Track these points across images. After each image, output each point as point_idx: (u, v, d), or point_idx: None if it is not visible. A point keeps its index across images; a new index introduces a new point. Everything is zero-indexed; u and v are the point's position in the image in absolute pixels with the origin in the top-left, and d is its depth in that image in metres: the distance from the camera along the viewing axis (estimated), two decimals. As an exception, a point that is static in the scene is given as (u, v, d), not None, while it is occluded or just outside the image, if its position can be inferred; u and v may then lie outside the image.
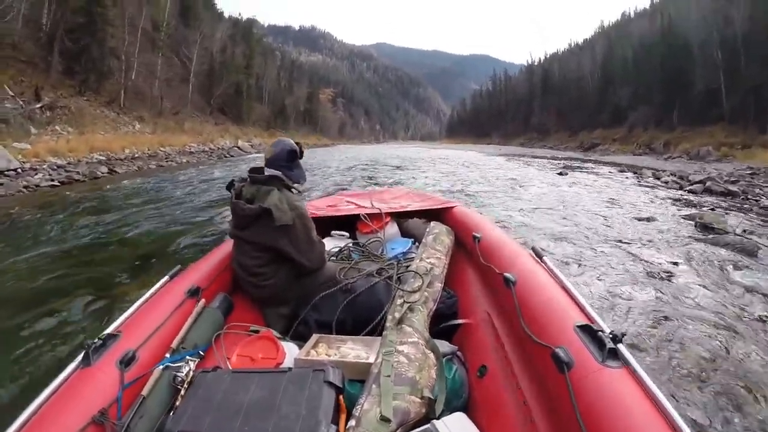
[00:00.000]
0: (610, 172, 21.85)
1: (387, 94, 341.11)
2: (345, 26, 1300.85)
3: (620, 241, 7.32)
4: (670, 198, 12.36)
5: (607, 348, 1.61)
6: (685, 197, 12.59)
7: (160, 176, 18.59)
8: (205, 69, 55.38)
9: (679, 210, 10.52)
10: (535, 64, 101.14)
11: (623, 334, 1.67)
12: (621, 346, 1.63)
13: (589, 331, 1.74)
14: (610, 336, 1.67)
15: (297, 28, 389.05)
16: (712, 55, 41.83)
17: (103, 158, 21.53)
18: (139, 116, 35.31)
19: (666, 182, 16.25)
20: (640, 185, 15.65)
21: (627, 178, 18.29)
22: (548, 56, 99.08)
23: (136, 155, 24.77)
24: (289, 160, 2.91)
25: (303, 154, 3.02)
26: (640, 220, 9.23)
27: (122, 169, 20.39)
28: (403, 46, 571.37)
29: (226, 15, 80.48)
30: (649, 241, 7.46)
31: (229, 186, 2.86)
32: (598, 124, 62.73)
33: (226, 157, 33.66)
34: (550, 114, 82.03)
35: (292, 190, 2.92)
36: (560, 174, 19.40)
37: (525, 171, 22.45)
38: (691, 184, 14.78)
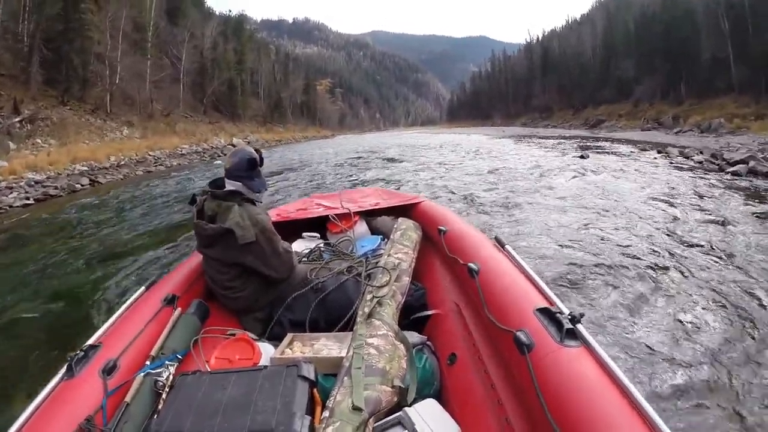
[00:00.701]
0: (631, 151, 19.71)
1: (385, 81, 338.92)
2: (339, 16, 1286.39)
3: (717, 259, 5.65)
4: (720, 185, 10.39)
5: (565, 329, 1.69)
6: (735, 183, 10.73)
7: (142, 184, 17.51)
8: (196, 67, 54.16)
9: (746, 203, 8.46)
10: (534, 42, 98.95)
11: (582, 315, 1.75)
12: (580, 327, 1.70)
13: (548, 313, 1.83)
14: (569, 317, 1.75)
15: (290, 21, 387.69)
16: (718, 24, 40.34)
17: (86, 169, 20.57)
18: (127, 121, 34.18)
19: (700, 162, 14.32)
20: (675, 168, 13.72)
21: (655, 158, 16.40)
22: (547, 33, 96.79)
23: (122, 162, 23.73)
24: (248, 169, 2.84)
25: (263, 161, 2.95)
26: (711, 222, 7.24)
27: (106, 178, 19.41)
28: (399, 32, 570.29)
29: (216, 12, 79.50)
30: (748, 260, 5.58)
31: (192, 201, 2.85)
32: (602, 100, 61.27)
33: (219, 156, 32.23)
34: (551, 92, 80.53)
35: (255, 202, 2.91)
36: (581, 157, 17.44)
37: (541, 156, 19.98)
38: (731, 165, 12.74)
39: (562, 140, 31.85)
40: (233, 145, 37.81)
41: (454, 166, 17.44)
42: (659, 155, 17.36)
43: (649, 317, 4.16)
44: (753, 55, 35.14)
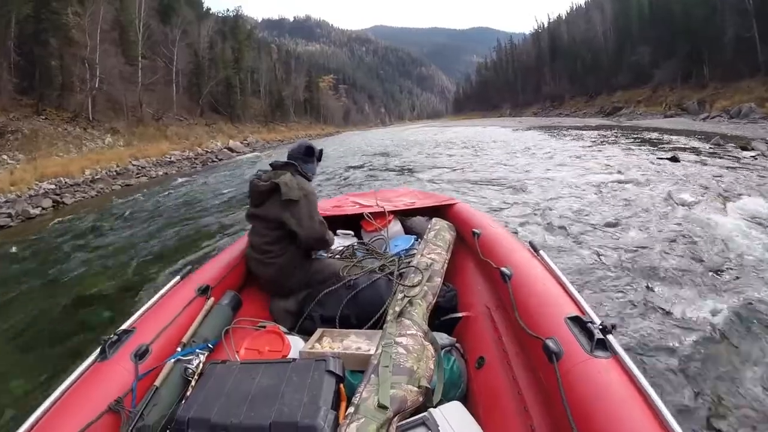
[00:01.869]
0: (710, 148, 15.42)
1: (389, 76, 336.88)
2: (340, 12, 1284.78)
3: None
4: None
5: (595, 339, 1.68)
6: None
7: (114, 203, 14.95)
8: (191, 68, 51.63)
9: None
10: (541, 29, 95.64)
11: (613, 326, 1.74)
12: (610, 337, 1.70)
13: (579, 322, 1.82)
14: (600, 327, 1.74)
15: (291, 19, 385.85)
16: (741, 1, 37.85)
17: (53, 187, 17.97)
18: (111, 128, 31.50)
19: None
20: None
21: (754, 158, 12.76)
22: (554, 19, 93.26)
23: (99, 176, 21.16)
24: (305, 155, 3.23)
25: (321, 155, 3.40)
26: None
27: (75, 197, 16.91)
28: (401, 26, 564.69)
29: (214, 12, 76.37)
30: None
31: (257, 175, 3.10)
32: (618, 86, 58.65)
33: (213, 162, 30.22)
34: (562, 80, 78.04)
35: (308, 178, 3.20)
36: (672, 160, 12.71)
37: (611, 157, 14.81)
38: None
39: (598, 131, 28.70)
40: (230, 149, 35.73)
41: (511, 177, 11.99)
42: (751, 152, 13.83)
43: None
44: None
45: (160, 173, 24.07)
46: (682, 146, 16.90)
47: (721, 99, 35.37)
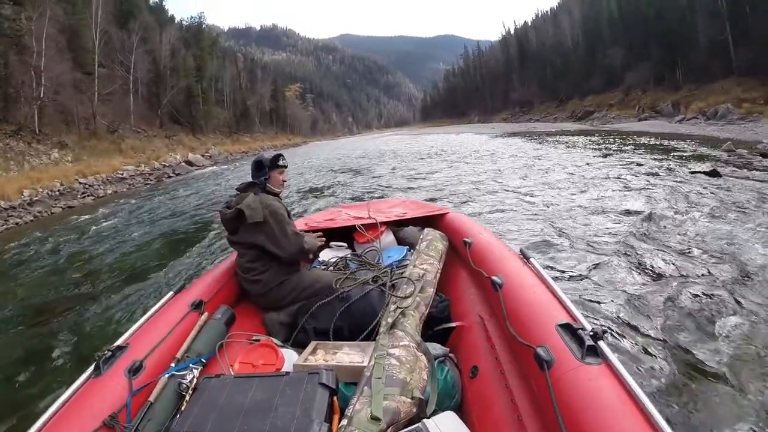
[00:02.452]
0: (711, 155, 14.19)
1: (356, 84, 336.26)
2: (307, 21, 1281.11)
3: None
4: None
5: (586, 345, 1.68)
6: None
7: (48, 234, 12.64)
8: (151, 77, 49.09)
9: None
10: (509, 35, 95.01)
11: (604, 332, 1.74)
12: (601, 343, 1.70)
13: (569, 329, 1.82)
14: (591, 333, 1.74)
15: (258, 28, 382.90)
16: (714, 3, 37.60)
17: (-21, 214, 15.50)
18: (59, 142, 28.99)
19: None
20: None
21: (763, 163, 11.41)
22: (522, 25, 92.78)
23: (38, 197, 18.77)
24: (256, 170, 3.28)
25: (276, 161, 3.29)
26: None
27: (8, 224, 14.77)
28: (367, 34, 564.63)
29: (178, 19, 74.02)
30: None
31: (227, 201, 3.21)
32: (589, 90, 57.97)
33: (169, 177, 28.11)
34: (530, 85, 77.44)
35: (274, 194, 3.28)
36: (712, 174, 10.31)
37: (618, 168, 12.79)
38: None
39: (583, 137, 27.21)
40: (189, 162, 33.76)
41: (523, 207, 8.94)
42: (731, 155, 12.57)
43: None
44: (754, 37, 32.56)
45: (109, 192, 22.00)
46: (693, 153, 15.31)
47: (696, 101, 34.81)
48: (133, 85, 44.19)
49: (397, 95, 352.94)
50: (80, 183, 22.52)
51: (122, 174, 26.41)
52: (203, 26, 72.18)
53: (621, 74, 51.48)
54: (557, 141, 26.23)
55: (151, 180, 26.61)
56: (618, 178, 11.21)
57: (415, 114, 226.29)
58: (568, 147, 21.77)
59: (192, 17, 72.11)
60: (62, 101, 31.67)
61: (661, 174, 11.28)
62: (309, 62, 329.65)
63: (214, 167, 32.67)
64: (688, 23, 40.88)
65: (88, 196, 20.62)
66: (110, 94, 40.20)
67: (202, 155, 41.17)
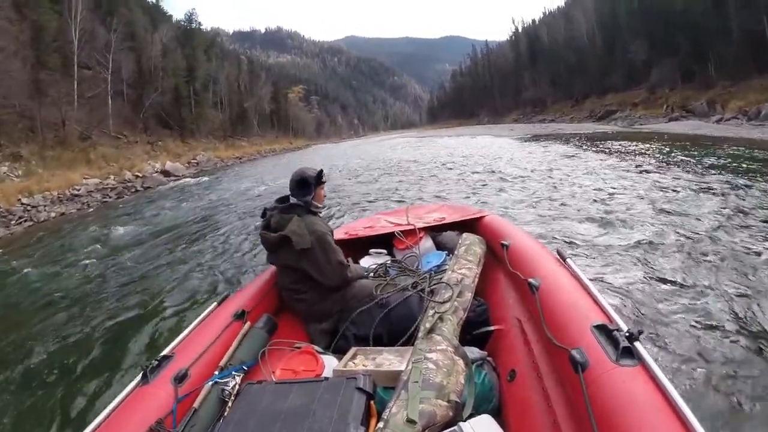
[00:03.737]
0: None
1: (362, 86, 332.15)
2: (312, 24, 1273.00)
3: None
4: None
5: (621, 347, 1.67)
6: None
7: None
8: (135, 78, 45.25)
9: None
10: (519, 31, 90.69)
11: (640, 332, 1.71)
12: (637, 345, 1.68)
13: (605, 330, 1.82)
14: (626, 335, 1.73)
15: (263, 31, 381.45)
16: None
17: None
18: (12, 154, 25.15)
19: None
20: None
21: None
22: (532, 21, 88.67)
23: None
24: (298, 188, 3.15)
25: (320, 178, 3.24)
26: None
27: None
28: (373, 36, 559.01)
29: (175, 18, 70.50)
30: None
31: (263, 214, 3.20)
32: (609, 88, 53.61)
33: (137, 191, 24.44)
34: (543, 84, 73.41)
35: (318, 213, 3.22)
36: None
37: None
38: None
39: (632, 143, 21.61)
40: (166, 172, 29.94)
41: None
42: None
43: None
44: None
45: (53, 215, 18.16)
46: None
47: (734, 99, 31.20)
48: (112, 87, 40.16)
49: (403, 97, 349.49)
50: (23, 203, 18.70)
51: (78, 190, 22.65)
52: (194, 25, 67.91)
53: (644, 70, 47.29)
54: (598, 145, 21.57)
55: (109, 197, 22.80)
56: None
57: (422, 115, 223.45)
58: (622, 154, 16.91)
59: (188, 15, 67.33)
60: (26, 106, 27.96)
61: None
62: (314, 64, 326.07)
63: (190, 179, 28.67)
64: (719, 14, 36.91)
65: (25, 221, 16.84)
66: (91, 98, 37.06)
67: (188, 162, 37.64)
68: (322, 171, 3.25)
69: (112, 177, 26.39)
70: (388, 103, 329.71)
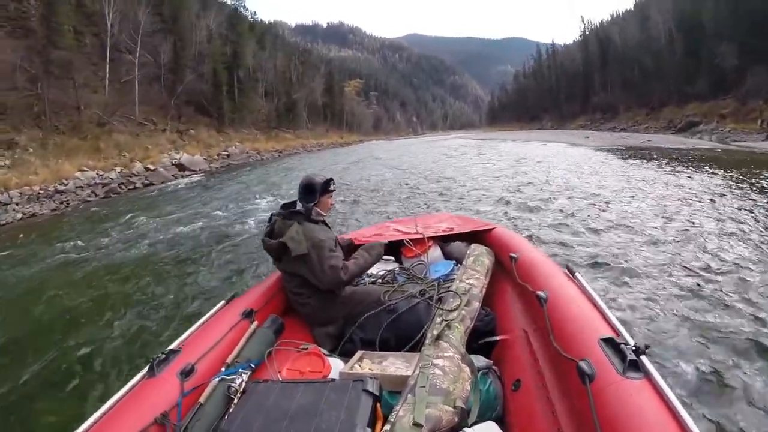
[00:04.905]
0: None
1: (422, 84, 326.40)
2: (374, 20, 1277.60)
3: None
4: None
5: (628, 360, 1.71)
6: None
7: None
8: (170, 62, 42.07)
9: None
10: (588, 31, 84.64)
11: (647, 346, 1.76)
12: (643, 358, 1.73)
13: (612, 343, 1.86)
14: (633, 348, 1.78)
15: (325, 25, 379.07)
16: None
17: None
18: (8, 140, 22.15)
19: None
20: None
21: None
22: (602, 21, 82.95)
23: None
24: (304, 193, 3.24)
25: (328, 186, 3.30)
26: None
27: None
28: (435, 35, 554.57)
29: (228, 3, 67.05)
30: None
31: (270, 218, 3.27)
32: (691, 97, 47.24)
33: (134, 188, 21.25)
34: (614, 88, 67.49)
35: (319, 222, 3.26)
36: None
37: None
38: None
39: (733, 160, 17.71)
40: (181, 166, 26.82)
41: None
42: None
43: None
44: None
45: (20, 216, 15.09)
46: None
47: None
48: (151, 72, 37.69)
49: (463, 96, 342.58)
50: (-3, 197, 15.43)
51: (66, 184, 19.43)
52: (239, 10, 64.69)
53: (733, 78, 41.35)
54: (718, 168, 15.67)
55: (96, 195, 19.38)
56: None
57: (482, 116, 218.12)
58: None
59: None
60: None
61: None
62: (375, 60, 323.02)
63: (200, 177, 25.08)
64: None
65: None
66: (126, 82, 35.13)
67: (218, 154, 34.82)
68: (331, 180, 3.32)
69: (117, 169, 23.43)
70: (448, 102, 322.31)
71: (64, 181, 19.58)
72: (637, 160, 20.35)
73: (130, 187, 21.30)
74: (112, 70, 34.23)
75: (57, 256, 9.55)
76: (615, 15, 79.50)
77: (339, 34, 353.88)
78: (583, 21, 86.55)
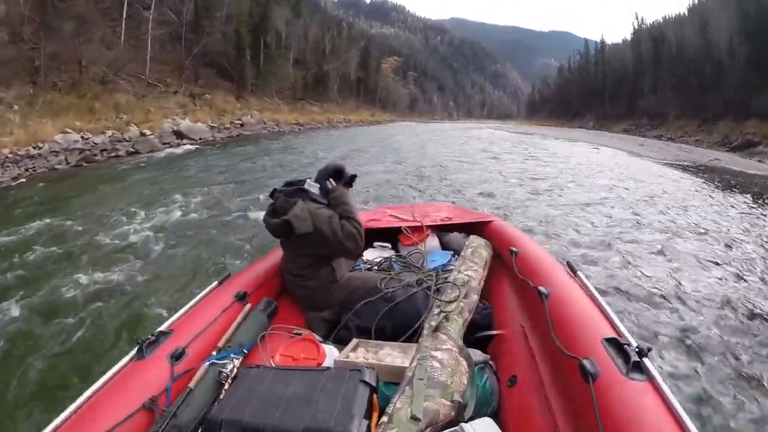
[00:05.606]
0: None
1: (462, 69, 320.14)
2: (418, 0, 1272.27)
3: None
4: None
5: (632, 361, 1.71)
6: None
7: None
8: (189, 20, 39.21)
9: None
10: (642, 28, 79.38)
11: (649, 348, 1.77)
12: (646, 360, 1.73)
13: (615, 344, 1.85)
14: (636, 349, 1.78)
15: (368, 1, 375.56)
16: None
17: None
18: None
19: None
20: None
21: None
22: (653, 22, 77.79)
23: None
24: (334, 175, 3.20)
25: (354, 178, 3.32)
26: None
27: None
28: (479, 21, 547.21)
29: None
30: None
31: (272, 194, 3.13)
32: (751, 113, 42.14)
33: (116, 156, 18.65)
34: (665, 93, 62.37)
35: (323, 203, 3.12)
36: None
37: None
38: None
39: None
40: (179, 133, 24.60)
41: None
42: None
43: None
44: None
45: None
46: None
47: None
48: (160, 29, 35.62)
49: (502, 86, 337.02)
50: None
51: (40, 148, 16.91)
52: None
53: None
54: None
55: (68, 162, 16.88)
56: None
57: (520, 108, 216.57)
58: None
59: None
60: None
61: None
62: (416, 40, 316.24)
63: (195, 148, 22.36)
64: None
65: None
66: (143, 39, 33.00)
67: (231, 122, 32.29)
68: (355, 176, 3.33)
69: (108, 132, 20.88)
70: (487, 90, 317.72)
71: (39, 144, 17.11)
72: (735, 190, 15.55)
73: (112, 154, 18.78)
74: (132, 27, 32.42)
75: None
76: (666, 17, 74.94)
77: (382, 11, 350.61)
78: (636, 17, 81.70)
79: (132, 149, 19.72)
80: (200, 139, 24.69)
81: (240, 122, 33.11)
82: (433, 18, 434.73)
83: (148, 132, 22.51)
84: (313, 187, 3.08)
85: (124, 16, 31.96)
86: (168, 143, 21.92)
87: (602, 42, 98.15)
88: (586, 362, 1.75)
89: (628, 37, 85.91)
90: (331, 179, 3.15)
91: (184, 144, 22.61)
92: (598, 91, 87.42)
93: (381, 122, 72.97)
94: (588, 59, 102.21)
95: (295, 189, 3.05)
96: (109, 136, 20.41)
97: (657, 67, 67.85)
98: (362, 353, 2.44)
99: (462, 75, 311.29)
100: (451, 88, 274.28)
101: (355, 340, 2.58)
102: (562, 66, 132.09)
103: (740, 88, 45.97)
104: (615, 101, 78.36)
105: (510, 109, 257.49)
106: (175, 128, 24.32)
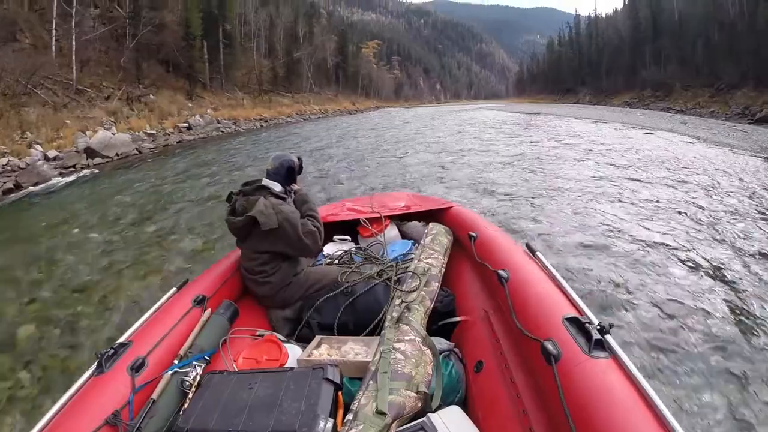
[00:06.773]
0: None
1: (447, 50, 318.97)
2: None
3: None
4: None
5: (593, 339, 1.71)
6: None
7: None
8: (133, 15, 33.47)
9: None
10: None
11: (611, 325, 1.75)
12: (608, 337, 1.73)
13: (576, 323, 1.84)
14: (598, 327, 1.77)
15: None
16: None
17: None
18: None
19: None
20: None
21: None
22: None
23: None
24: (287, 175, 3.14)
25: (301, 168, 3.24)
26: None
27: None
28: (462, 2, 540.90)
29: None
30: None
31: (228, 198, 3.06)
32: None
33: None
34: (669, 63, 57.63)
35: (284, 198, 3.08)
36: None
37: None
38: None
39: None
40: (90, 150, 18.38)
41: None
42: None
43: None
44: None
45: None
46: None
47: None
48: (106, 25, 31.20)
49: (489, 65, 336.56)
50: None
51: None
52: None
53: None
54: None
55: None
56: None
57: (508, 87, 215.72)
58: None
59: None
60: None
61: None
62: (399, 24, 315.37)
63: (89, 173, 16.28)
64: None
65: None
66: (88, 41, 29.31)
67: (174, 128, 26.70)
68: (300, 159, 3.24)
69: (3, 160, 15.31)
70: (473, 71, 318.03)
71: None
72: None
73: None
74: (71, 27, 27.71)
75: None
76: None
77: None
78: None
79: (13, 185, 13.74)
80: (118, 155, 19.05)
81: (186, 125, 27.59)
82: (415, 1, 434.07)
83: (55, 152, 17.41)
84: (273, 184, 3.01)
85: (54, 15, 27.19)
86: (71, 167, 16.41)
87: (596, 13, 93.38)
88: (548, 344, 1.75)
89: (619, 7, 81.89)
90: (293, 184, 3.14)
91: (86, 168, 16.92)
92: (593, 64, 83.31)
93: (362, 111, 68.69)
94: (579, 32, 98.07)
95: (255, 187, 2.99)
96: (2, 166, 14.90)
97: (658, 37, 63.07)
98: (325, 350, 2.38)
99: (448, 57, 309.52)
100: (437, 71, 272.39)
101: (317, 338, 2.51)
102: (552, 40, 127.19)
103: (758, 53, 40.58)
104: (612, 74, 74.18)
105: (497, 88, 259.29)
106: (87, 145, 18.65)
